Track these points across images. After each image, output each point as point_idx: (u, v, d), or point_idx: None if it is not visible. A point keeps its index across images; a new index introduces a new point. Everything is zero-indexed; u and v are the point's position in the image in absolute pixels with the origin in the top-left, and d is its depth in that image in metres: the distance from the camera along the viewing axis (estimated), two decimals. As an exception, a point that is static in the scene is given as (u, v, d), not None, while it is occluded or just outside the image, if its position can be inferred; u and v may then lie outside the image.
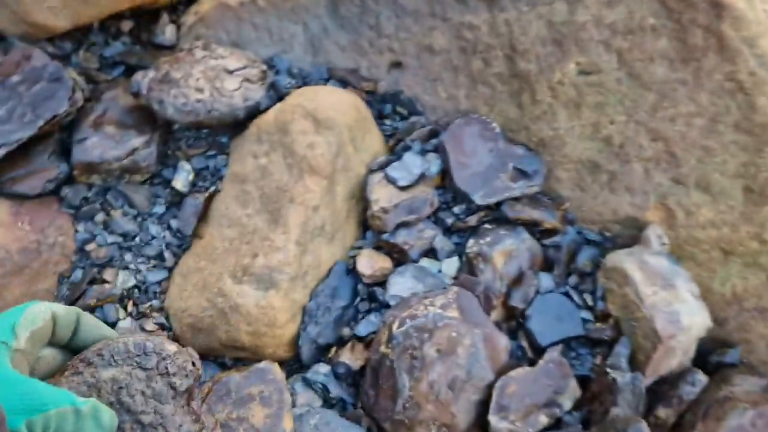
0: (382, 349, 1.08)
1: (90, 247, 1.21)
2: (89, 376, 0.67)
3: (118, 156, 1.22)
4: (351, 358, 1.11)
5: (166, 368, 0.82)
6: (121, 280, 1.17)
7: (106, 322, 1.06)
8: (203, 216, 1.23)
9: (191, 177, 1.25)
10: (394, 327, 1.08)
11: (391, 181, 1.20)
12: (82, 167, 1.21)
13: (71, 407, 0.46)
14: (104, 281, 1.17)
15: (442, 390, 1.06)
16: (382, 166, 1.23)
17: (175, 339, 1.15)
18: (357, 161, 1.23)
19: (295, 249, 1.12)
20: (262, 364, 1.06)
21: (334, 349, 1.14)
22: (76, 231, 1.22)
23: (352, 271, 1.19)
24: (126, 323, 1.13)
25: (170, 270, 1.22)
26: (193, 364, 0.80)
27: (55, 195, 1.23)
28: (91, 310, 1.14)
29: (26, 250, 1.15)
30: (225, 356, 1.13)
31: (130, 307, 1.16)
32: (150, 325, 1.15)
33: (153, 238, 1.23)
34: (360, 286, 1.17)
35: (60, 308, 0.50)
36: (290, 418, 1.03)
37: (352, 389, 1.13)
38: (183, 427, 0.81)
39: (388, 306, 1.15)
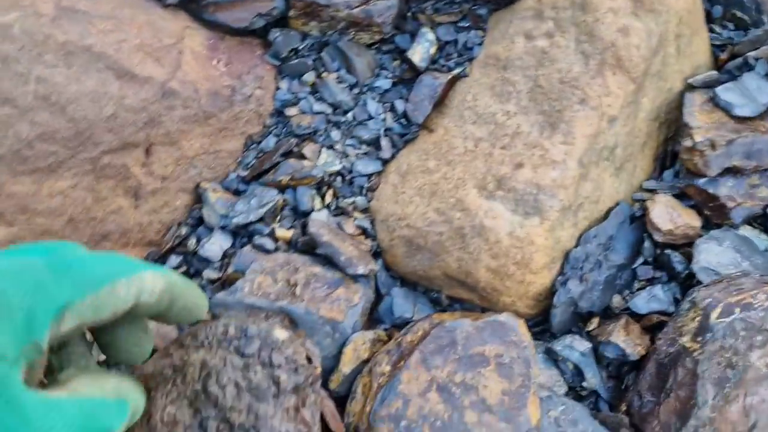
0: (685, 341, 0.72)
1: (291, 111, 0.92)
2: (178, 359, 0.60)
3: (350, 2, 0.92)
4: (626, 340, 0.76)
5: (270, 358, 0.61)
6: (324, 161, 0.88)
7: (296, 210, 0.77)
8: (440, 103, 0.91)
9: (433, 50, 0.93)
10: (713, 315, 0.72)
11: (724, 106, 0.82)
12: (301, 7, 0.92)
13: None
14: (302, 156, 0.88)
15: (761, 423, 0.69)
16: (709, 85, 0.85)
17: (380, 252, 0.85)
18: (675, 69, 0.86)
19: (576, 169, 0.78)
20: (503, 317, 0.74)
21: (596, 321, 0.80)
22: (278, 88, 0.94)
23: (637, 220, 0.83)
24: (321, 215, 0.84)
25: (384, 163, 0.91)
26: (309, 360, 0.62)
27: (261, 37, 0.95)
28: (282, 189, 0.86)
29: (217, 95, 0.88)
30: (441, 291, 0.81)
31: (328, 198, 0.87)
32: (350, 227, 0.85)
33: (370, 118, 0.92)
34: (646, 244, 0.82)
35: (169, 279, 0.41)
36: (537, 404, 0.70)
37: (612, 383, 0.78)
38: None
39: (685, 279, 0.79)
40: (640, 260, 0.81)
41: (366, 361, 0.76)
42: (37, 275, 0.33)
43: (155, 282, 0.41)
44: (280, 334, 0.67)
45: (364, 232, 0.86)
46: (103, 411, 0.37)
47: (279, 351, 0.65)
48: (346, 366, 0.75)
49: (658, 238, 0.80)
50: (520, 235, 0.76)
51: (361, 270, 0.78)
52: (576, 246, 0.80)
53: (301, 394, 0.66)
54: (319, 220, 0.82)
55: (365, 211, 0.88)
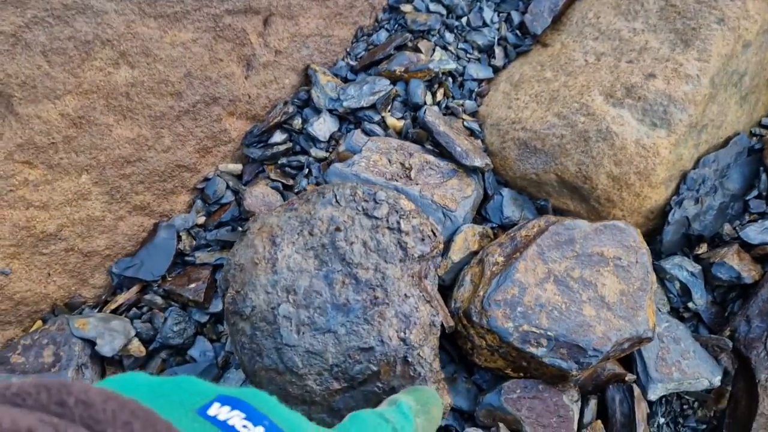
0: (806, 266, 0.71)
1: (406, 8, 0.90)
2: (305, 212, 0.62)
3: None
4: (740, 264, 0.74)
5: (398, 223, 0.55)
6: (438, 59, 0.86)
7: (407, 102, 0.76)
8: (558, 19, 0.89)
9: (555, -35, 0.91)
10: (840, 241, 0.70)
11: None
12: None
13: None
14: (418, 50, 0.86)
15: None
16: (842, 27, 0.83)
17: (488, 155, 0.83)
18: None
19: (708, 87, 0.76)
20: (622, 223, 0.72)
21: (705, 246, 0.78)
22: (393, -16, 0.91)
23: (754, 153, 0.82)
24: (434, 110, 0.82)
25: (495, 71, 0.89)
26: (433, 232, 0.64)
27: (382, -70, 0.93)
28: (394, 81, 0.84)
29: (335, -21, 0.85)
30: (548, 199, 0.80)
31: (439, 96, 0.85)
32: (459, 127, 0.83)
33: (485, 25, 0.90)
34: (762, 177, 0.80)
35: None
36: (653, 309, 0.69)
37: (715, 309, 0.77)
38: (410, 300, 0.55)
39: (800, 216, 0.78)
40: (754, 193, 0.80)
41: (475, 253, 0.75)
42: None
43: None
44: (407, 204, 0.66)
45: (472, 132, 0.84)
46: None
47: (407, 218, 0.63)
48: (456, 254, 0.73)
49: (775, 171, 0.79)
50: (647, 144, 0.74)
51: (477, 162, 0.76)
52: (694, 168, 0.78)
53: (424, 264, 0.64)
54: (434, 110, 0.80)
55: (473, 115, 0.86)
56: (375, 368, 0.58)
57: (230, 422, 0.28)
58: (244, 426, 0.28)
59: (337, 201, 0.63)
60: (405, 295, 0.61)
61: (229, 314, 0.58)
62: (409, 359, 0.60)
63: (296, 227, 0.61)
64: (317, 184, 0.78)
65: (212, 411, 0.29)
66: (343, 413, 0.59)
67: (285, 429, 0.30)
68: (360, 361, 0.57)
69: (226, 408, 0.29)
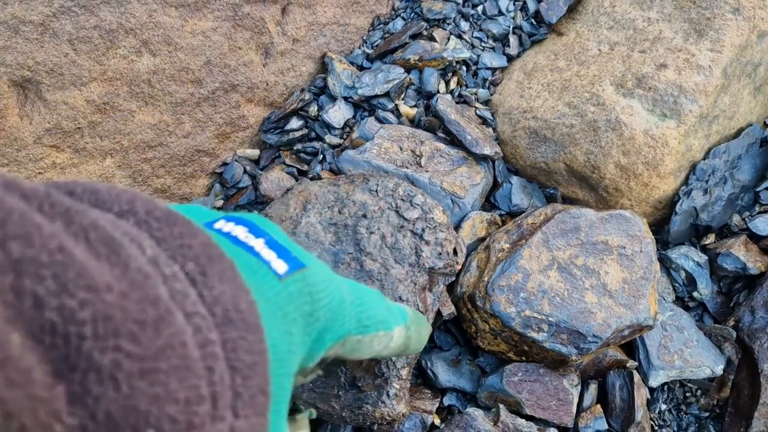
0: (812, 258, 0.71)
1: (423, -4, 0.92)
2: (343, 191, 0.63)
3: None
4: (746, 255, 0.75)
5: (423, 231, 0.63)
6: (453, 47, 0.87)
7: (421, 91, 0.77)
8: (573, 8, 0.90)
9: (572, -46, 0.91)
10: None
11: None
12: None
13: (400, 328, 0.41)
14: (432, 39, 0.87)
15: None
16: None
17: (499, 144, 0.84)
18: (829, -3, 0.83)
19: (720, 78, 0.76)
20: (628, 213, 0.73)
21: (712, 237, 0.79)
22: (410, -27, 0.92)
23: (767, 144, 0.81)
24: (446, 98, 0.83)
25: (510, 60, 0.90)
26: (455, 251, 0.64)
27: None
28: (408, 69, 0.86)
29: (353, -31, 0.87)
30: (557, 188, 0.81)
31: (452, 84, 0.86)
32: (470, 115, 0.85)
33: (500, 14, 0.91)
34: (774, 168, 0.80)
35: (408, 334, 0.44)
36: (655, 298, 0.70)
37: (721, 299, 0.78)
38: (401, 300, 0.56)
39: (811, 208, 0.77)
40: (765, 184, 0.80)
41: (482, 239, 0.76)
42: (339, 297, 0.35)
43: (398, 338, 0.42)
44: (441, 216, 0.66)
45: (484, 120, 0.86)
46: None
47: (433, 230, 0.64)
48: (463, 240, 0.75)
49: (788, 163, 0.79)
50: (656, 135, 0.75)
51: (487, 150, 0.77)
52: (704, 158, 0.79)
53: (433, 277, 0.65)
54: (447, 99, 0.82)
55: (486, 103, 0.88)
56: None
57: (233, 233, 0.31)
58: (246, 237, 0.30)
59: (376, 191, 0.64)
60: (400, 297, 0.62)
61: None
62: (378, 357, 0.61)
63: (330, 201, 0.63)
64: (331, 170, 0.80)
65: (218, 225, 0.31)
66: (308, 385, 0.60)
67: (284, 244, 0.32)
68: None
69: (231, 223, 0.32)
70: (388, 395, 0.58)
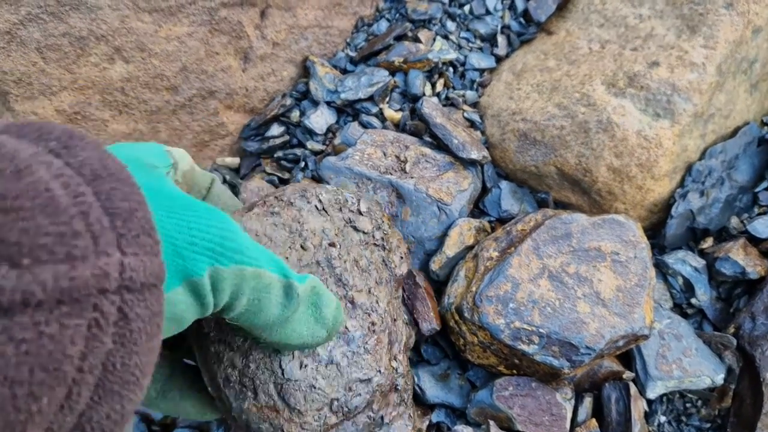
0: (815, 261, 0.68)
1: (407, -4, 0.89)
2: (291, 219, 0.53)
3: None
4: (745, 259, 0.72)
5: (383, 240, 0.58)
6: (439, 48, 0.84)
7: (406, 94, 0.73)
8: (563, 6, 0.87)
9: (561, -50, 0.89)
10: None
11: None
12: None
13: (279, 278, 0.37)
14: (417, 40, 0.85)
15: None
16: None
17: (488, 147, 0.81)
18: (827, -10, 0.80)
19: (714, 75, 0.73)
20: (621, 217, 0.70)
21: (710, 240, 0.76)
22: (394, -27, 0.90)
23: (765, 143, 0.79)
24: (432, 101, 0.81)
25: (498, 60, 0.87)
26: (408, 250, 0.61)
27: None
28: (393, 71, 0.83)
29: (335, -31, 0.84)
30: (549, 192, 0.78)
31: (439, 87, 0.84)
32: (458, 118, 0.82)
33: (488, 13, 0.88)
34: (773, 168, 0.77)
35: (198, 167, 0.45)
36: (651, 306, 0.67)
37: (720, 305, 0.75)
38: (398, 323, 0.52)
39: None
40: (764, 185, 0.77)
41: (470, 248, 0.74)
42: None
43: (277, 291, 0.39)
44: (386, 218, 0.60)
45: (472, 123, 0.83)
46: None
47: (387, 234, 0.59)
48: (450, 249, 0.72)
49: (787, 162, 0.76)
50: (649, 135, 0.72)
51: (474, 154, 0.75)
52: (700, 159, 0.76)
53: (400, 283, 0.61)
54: (433, 102, 0.79)
55: (474, 105, 0.85)
56: (369, 398, 0.55)
57: None
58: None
59: (324, 209, 0.57)
60: (393, 319, 0.58)
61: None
62: (399, 387, 0.58)
63: (287, 239, 0.54)
64: (313, 177, 0.78)
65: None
66: None
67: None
68: (359, 393, 0.54)
69: None
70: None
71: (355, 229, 0.57)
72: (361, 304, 0.54)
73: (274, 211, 0.55)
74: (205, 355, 0.52)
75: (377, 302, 0.55)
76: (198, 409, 0.51)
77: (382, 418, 0.56)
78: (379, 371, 0.54)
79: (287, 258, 0.53)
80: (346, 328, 0.53)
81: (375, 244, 0.58)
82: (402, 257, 0.61)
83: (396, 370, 0.56)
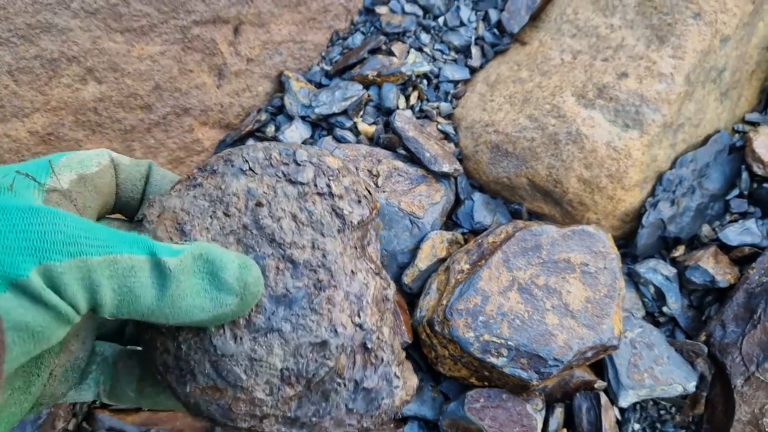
0: (782, 270, 0.69)
1: (381, 10, 0.90)
2: (213, 188, 0.48)
3: None
4: (715, 267, 0.72)
5: (329, 186, 0.52)
6: (412, 61, 0.85)
7: (380, 107, 0.73)
8: (536, 16, 0.88)
9: (533, -39, 0.89)
10: (818, 244, 0.68)
11: None
12: None
13: (145, 258, 0.35)
14: (391, 53, 0.85)
15: None
16: (831, 17, 0.79)
17: (461, 160, 0.82)
18: (795, -3, 0.81)
19: (683, 85, 0.74)
20: (591, 228, 0.71)
21: (682, 249, 0.77)
22: (369, -14, 0.90)
23: (736, 151, 0.79)
24: (406, 113, 0.81)
25: (473, 72, 0.88)
26: (368, 191, 0.52)
27: (356, -69, 0.92)
28: (367, 85, 0.84)
29: (308, -16, 0.85)
30: (522, 203, 0.79)
31: (413, 99, 0.84)
32: (432, 131, 0.83)
33: (462, 25, 0.89)
34: (744, 176, 0.78)
35: (125, 159, 0.40)
36: (620, 317, 0.68)
37: (692, 313, 0.75)
38: (358, 276, 0.48)
39: (782, 216, 0.75)
40: (735, 192, 0.78)
41: (442, 260, 0.74)
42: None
43: (96, 154, 0.38)
44: (334, 161, 0.57)
45: (446, 136, 0.83)
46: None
47: (337, 179, 0.55)
48: (422, 262, 0.73)
49: (758, 170, 0.76)
50: (618, 146, 0.73)
51: (446, 168, 0.75)
52: (671, 168, 0.77)
53: (363, 230, 0.56)
54: (405, 116, 0.80)
55: (448, 117, 0.86)
56: (331, 364, 0.48)
57: None
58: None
59: (251, 169, 0.52)
60: (351, 271, 0.53)
61: (142, 330, 0.48)
62: (369, 345, 0.53)
63: (207, 208, 0.49)
64: (286, 192, 0.78)
65: None
66: (304, 422, 0.55)
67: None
68: (314, 359, 0.47)
69: None
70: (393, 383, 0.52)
71: (291, 182, 0.52)
72: (304, 262, 0.49)
73: (196, 183, 0.50)
74: (144, 345, 0.49)
75: (323, 256, 0.51)
76: (174, 401, 0.51)
77: (356, 382, 0.50)
78: (335, 331, 0.48)
79: (208, 229, 0.49)
80: (287, 289, 0.48)
81: (318, 193, 0.53)
82: (359, 200, 0.55)
83: (360, 327, 0.51)
